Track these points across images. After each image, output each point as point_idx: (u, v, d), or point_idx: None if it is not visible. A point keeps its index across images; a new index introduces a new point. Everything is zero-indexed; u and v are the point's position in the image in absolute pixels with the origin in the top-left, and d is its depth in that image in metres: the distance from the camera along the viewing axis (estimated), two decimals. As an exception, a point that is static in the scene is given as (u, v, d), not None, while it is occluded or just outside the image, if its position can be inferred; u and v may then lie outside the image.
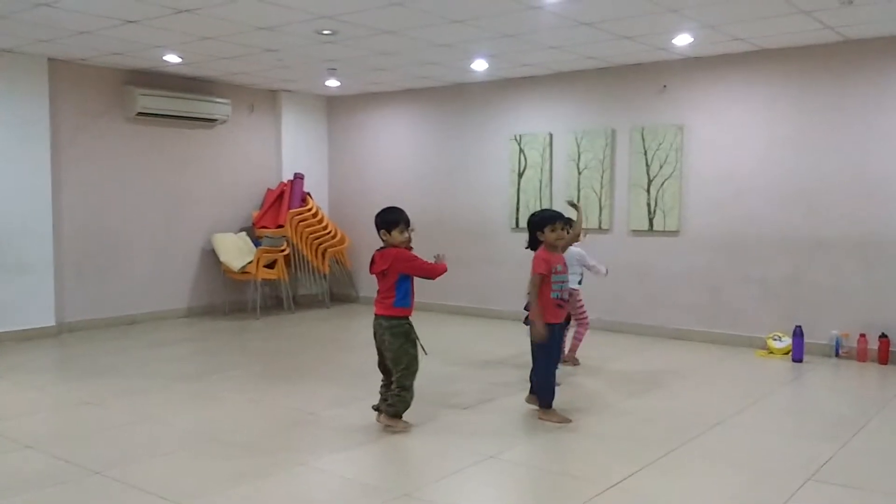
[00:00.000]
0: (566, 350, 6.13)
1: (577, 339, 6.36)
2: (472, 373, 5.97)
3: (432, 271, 4.54)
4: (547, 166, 8.46)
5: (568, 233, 4.88)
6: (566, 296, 4.72)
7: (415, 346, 4.52)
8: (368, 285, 10.13)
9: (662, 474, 3.90)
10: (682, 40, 6.67)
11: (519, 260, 8.69)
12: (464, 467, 3.98)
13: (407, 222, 4.53)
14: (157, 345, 7.38)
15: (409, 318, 4.56)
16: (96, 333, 7.89)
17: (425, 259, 4.61)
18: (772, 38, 6.58)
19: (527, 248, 4.92)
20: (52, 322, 7.74)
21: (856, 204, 6.69)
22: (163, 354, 6.94)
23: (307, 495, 3.65)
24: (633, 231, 7.91)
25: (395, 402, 4.50)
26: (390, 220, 4.51)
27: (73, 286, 8.00)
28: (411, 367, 4.50)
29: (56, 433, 4.67)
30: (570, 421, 4.70)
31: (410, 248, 4.58)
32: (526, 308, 5.02)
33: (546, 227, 4.68)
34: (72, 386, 5.86)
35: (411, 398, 4.54)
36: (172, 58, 7.58)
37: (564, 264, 4.76)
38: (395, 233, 4.48)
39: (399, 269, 4.47)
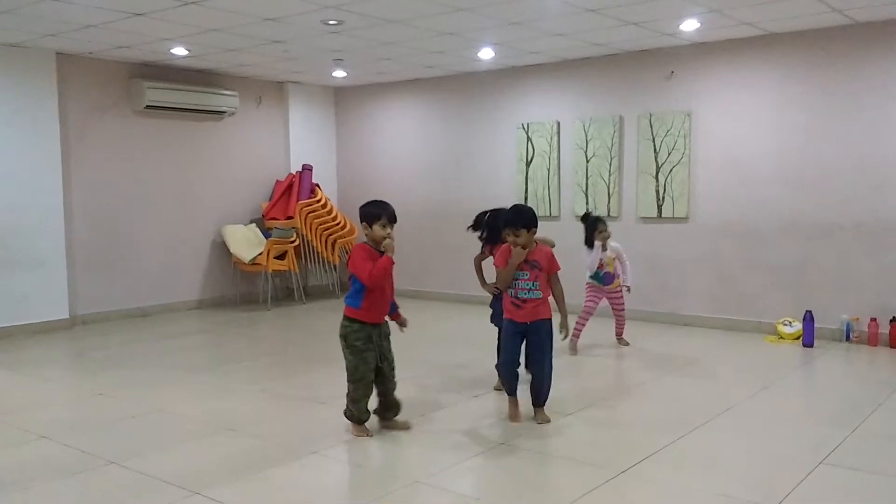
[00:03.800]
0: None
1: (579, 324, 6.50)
2: (481, 360, 5.98)
3: (363, 276, 4.19)
4: (555, 154, 8.45)
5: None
6: (523, 295, 4.43)
7: (357, 353, 4.25)
8: (378, 275, 10.16)
9: (673, 459, 3.92)
10: (690, 25, 6.63)
11: (528, 248, 8.71)
12: (475, 454, 4.00)
13: (391, 217, 4.21)
14: (169, 336, 7.44)
15: (355, 322, 4.30)
16: (109, 326, 7.95)
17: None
18: (779, 21, 6.54)
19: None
20: (65, 315, 7.80)
21: (865, 188, 6.65)
22: (175, 346, 7.00)
23: (320, 483, 3.68)
24: (642, 218, 7.90)
25: (346, 406, 4.36)
26: (373, 212, 4.20)
27: (85, 279, 8.06)
28: (349, 374, 4.29)
29: (70, 424, 4.72)
30: (517, 421, 4.51)
31: (384, 248, 4.18)
32: (491, 305, 5.32)
33: (527, 230, 4.43)
34: (85, 378, 5.92)
35: (354, 410, 4.30)
36: (180, 50, 7.61)
37: (527, 263, 4.43)
38: (375, 227, 4.17)
39: (349, 264, 4.30)
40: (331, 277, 9.93)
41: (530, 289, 4.44)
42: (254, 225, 9.48)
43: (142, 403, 5.06)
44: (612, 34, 6.96)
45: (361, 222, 4.23)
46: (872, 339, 6.59)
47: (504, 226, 4.45)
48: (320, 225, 9.54)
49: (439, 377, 5.43)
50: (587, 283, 6.49)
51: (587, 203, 8.19)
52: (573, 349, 6.41)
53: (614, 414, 4.77)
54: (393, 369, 4.36)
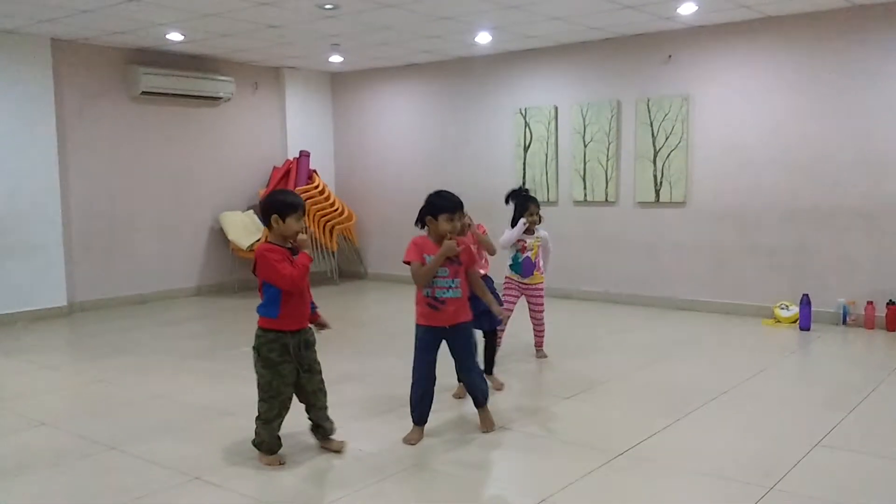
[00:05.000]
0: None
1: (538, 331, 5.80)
2: (481, 345, 6.00)
3: (283, 280, 3.54)
4: (552, 140, 8.43)
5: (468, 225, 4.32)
6: (441, 295, 3.88)
7: (270, 366, 3.64)
8: (377, 262, 10.18)
9: (669, 442, 3.94)
10: (687, 9, 6.61)
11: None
12: (477, 436, 4.03)
13: (304, 208, 3.69)
14: (168, 323, 7.45)
15: (270, 332, 3.67)
16: (108, 313, 7.96)
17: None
18: (777, 4, 6.51)
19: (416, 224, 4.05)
20: (63, 302, 7.81)
21: (863, 172, 6.65)
22: (174, 332, 7.01)
23: (324, 468, 3.69)
24: (640, 203, 7.90)
25: (255, 430, 3.74)
26: (289, 203, 3.59)
27: (83, 266, 8.06)
28: (262, 391, 3.70)
29: (71, 410, 4.74)
30: (411, 443, 3.92)
31: (298, 245, 3.66)
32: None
33: (441, 216, 3.88)
34: (85, 364, 5.93)
35: (266, 434, 3.69)
36: (175, 36, 7.57)
37: (450, 258, 3.87)
38: (289, 220, 3.57)
39: (260, 271, 3.61)
40: (329, 264, 9.92)
41: (450, 287, 3.88)
42: (251, 211, 9.46)
43: (141, 389, 5.08)
44: (610, 18, 6.93)
45: (272, 215, 3.57)
46: (869, 322, 6.61)
47: (438, 212, 3.88)
48: (318, 211, 9.53)
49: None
50: (505, 279, 5.53)
51: (584, 188, 8.19)
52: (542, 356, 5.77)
53: (611, 397, 4.78)
54: (321, 381, 3.81)
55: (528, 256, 5.47)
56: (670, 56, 7.59)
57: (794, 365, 5.77)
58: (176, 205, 8.89)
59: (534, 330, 5.73)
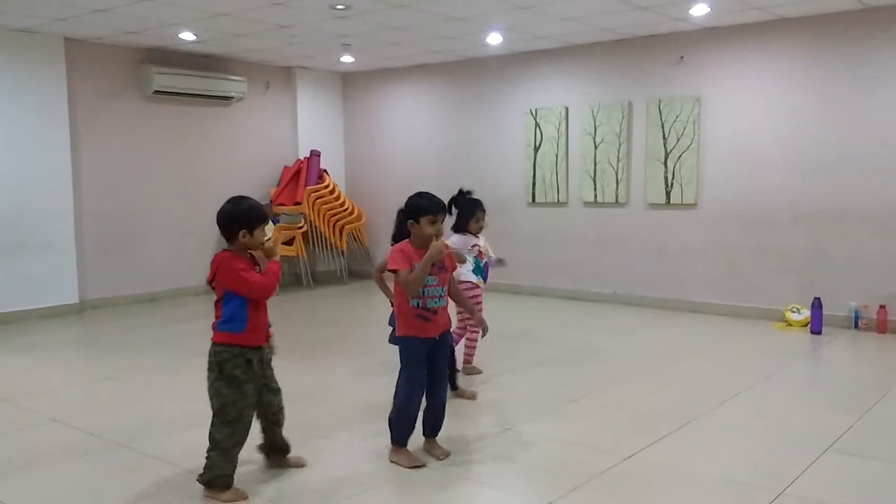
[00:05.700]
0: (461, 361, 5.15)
1: (471, 344, 5.25)
2: (488, 346, 6.00)
3: (255, 290, 3.32)
4: (563, 140, 8.42)
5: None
6: (433, 305, 3.60)
7: (235, 385, 3.29)
8: (385, 261, 10.18)
9: (679, 445, 3.93)
10: (699, 10, 6.58)
11: (535, 235, 8.72)
12: (482, 437, 4.03)
13: (268, 217, 3.46)
14: (178, 321, 7.48)
15: (234, 346, 3.35)
16: (118, 310, 8.00)
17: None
18: (790, 6, 6.48)
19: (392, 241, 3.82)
20: (75, 299, 7.85)
21: (875, 174, 6.61)
22: (184, 330, 7.03)
23: (330, 467, 3.69)
24: (651, 204, 7.87)
25: (206, 464, 3.32)
26: (257, 214, 3.37)
27: (95, 264, 8.11)
28: (222, 415, 3.32)
29: (81, 407, 4.77)
30: (423, 465, 3.63)
31: (268, 252, 3.43)
32: (391, 323, 4.31)
33: (422, 218, 3.59)
34: (96, 361, 5.97)
35: (225, 465, 3.30)
36: (188, 35, 7.60)
37: (438, 265, 3.60)
38: (257, 232, 3.34)
39: (223, 282, 3.37)
40: (339, 263, 9.95)
41: (440, 296, 3.64)
42: (262, 210, 9.48)
43: (152, 387, 5.10)
44: (622, 18, 6.91)
45: (240, 231, 3.33)
46: (881, 327, 6.56)
47: (420, 214, 3.60)
48: (328, 211, 9.56)
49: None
50: (467, 286, 4.80)
51: (595, 189, 8.17)
52: (473, 371, 5.29)
53: (618, 400, 4.77)
54: (281, 405, 3.54)
55: (486, 261, 5.09)
56: (682, 57, 7.57)
57: (804, 369, 5.74)
58: (187, 204, 8.93)
59: (469, 342, 5.21)
